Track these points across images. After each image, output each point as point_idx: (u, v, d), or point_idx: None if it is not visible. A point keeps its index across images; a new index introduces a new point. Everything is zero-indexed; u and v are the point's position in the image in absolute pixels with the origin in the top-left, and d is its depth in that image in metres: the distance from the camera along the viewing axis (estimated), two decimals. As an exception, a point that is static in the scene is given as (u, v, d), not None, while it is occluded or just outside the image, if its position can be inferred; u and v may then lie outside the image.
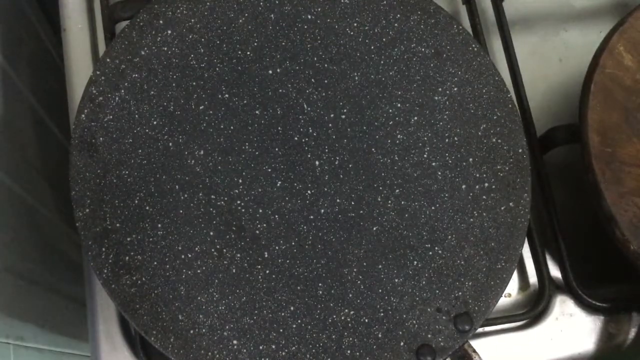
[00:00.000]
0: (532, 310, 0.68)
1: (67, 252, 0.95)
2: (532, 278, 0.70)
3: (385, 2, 0.69)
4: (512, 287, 0.71)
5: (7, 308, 0.76)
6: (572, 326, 0.70)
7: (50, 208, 0.90)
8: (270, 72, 0.67)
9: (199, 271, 0.62)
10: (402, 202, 0.65)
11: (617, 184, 0.63)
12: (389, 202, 0.65)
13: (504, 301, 0.69)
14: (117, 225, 0.62)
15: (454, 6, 0.79)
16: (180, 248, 0.62)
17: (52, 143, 0.93)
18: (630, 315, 0.70)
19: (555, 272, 0.70)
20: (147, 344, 0.65)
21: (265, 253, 0.63)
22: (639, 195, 0.63)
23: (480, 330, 0.62)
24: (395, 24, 0.69)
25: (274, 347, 0.60)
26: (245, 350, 0.60)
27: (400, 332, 0.61)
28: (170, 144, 0.65)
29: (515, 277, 0.70)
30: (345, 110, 0.67)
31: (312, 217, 0.64)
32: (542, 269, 0.68)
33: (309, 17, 0.69)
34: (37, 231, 0.87)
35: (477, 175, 0.66)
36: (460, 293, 0.63)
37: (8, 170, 0.78)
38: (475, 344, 0.64)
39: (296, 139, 0.66)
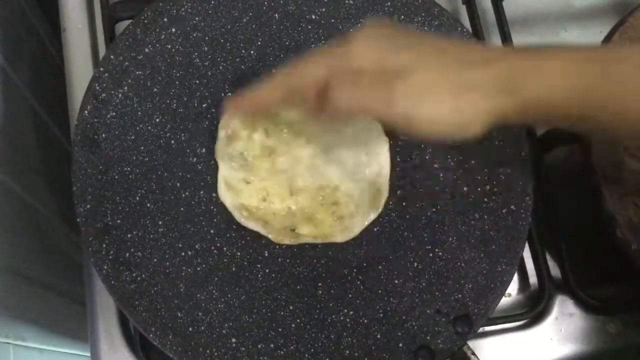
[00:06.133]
0: (532, 310, 0.68)
1: (67, 252, 0.95)
2: (532, 278, 0.70)
3: (389, 3, 0.70)
4: (512, 287, 0.71)
5: (7, 308, 0.76)
6: (572, 326, 0.70)
7: (50, 208, 0.90)
8: (274, 71, 0.67)
9: (198, 269, 0.62)
10: (404, 204, 0.65)
11: (618, 184, 0.63)
12: (390, 202, 0.65)
13: (503, 301, 0.69)
14: (118, 221, 0.62)
15: (454, 6, 0.79)
16: (180, 245, 0.62)
17: (52, 143, 0.93)
18: (630, 315, 0.70)
19: (555, 272, 0.70)
20: (147, 343, 0.64)
21: (266, 252, 0.63)
22: (639, 195, 0.63)
23: (480, 330, 0.62)
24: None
25: (272, 345, 0.60)
26: (243, 349, 0.60)
27: (399, 334, 0.61)
28: (173, 141, 0.65)
29: (515, 277, 0.70)
30: (348, 111, 0.67)
31: (312, 216, 0.64)
32: (542, 269, 0.68)
33: (313, 17, 0.69)
34: (37, 231, 0.87)
35: (479, 177, 0.66)
36: (460, 295, 0.63)
37: (8, 171, 0.78)
38: (475, 344, 0.65)
39: (299, 138, 0.66)
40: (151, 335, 0.60)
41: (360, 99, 0.51)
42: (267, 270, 0.62)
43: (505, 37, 0.74)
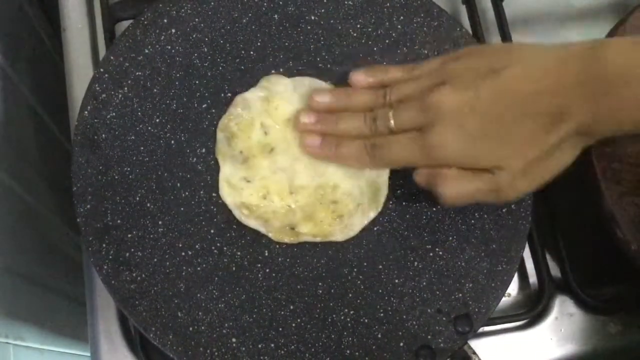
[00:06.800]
0: (532, 310, 0.68)
1: (67, 252, 0.95)
2: (532, 278, 0.70)
3: (388, 4, 0.70)
4: (512, 287, 0.71)
5: (7, 308, 0.76)
6: (572, 326, 0.70)
7: (50, 208, 0.90)
8: (273, 72, 0.67)
9: (199, 268, 0.62)
10: (404, 203, 0.65)
11: (618, 183, 0.63)
12: (390, 202, 0.65)
13: (503, 301, 0.69)
14: (118, 221, 0.62)
15: (454, 6, 0.79)
16: (180, 245, 0.62)
17: (52, 143, 0.93)
18: (630, 315, 0.71)
19: (555, 272, 0.70)
20: (147, 343, 0.64)
21: (266, 251, 0.63)
22: (639, 195, 0.63)
23: (480, 330, 0.62)
24: (399, 26, 0.69)
25: (273, 345, 0.60)
26: (244, 348, 0.60)
27: (400, 333, 0.61)
28: (173, 141, 0.65)
29: (515, 277, 0.69)
30: (347, 111, 0.67)
31: (313, 215, 0.64)
32: (542, 269, 0.68)
33: (313, 17, 0.69)
34: (37, 231, 0.87)
35: (479, 176, 0.66)
36: (460, 294, 0.63)
37: (8, 170, 0.78)
38: (475, 344, 0.64)
39: (298, 138, 0.66)
40: (151, 335, 0.59)
41: (469, 196, 0.58)
42: (267, 270, 0.62)
43: (505, 37, 0.74)
